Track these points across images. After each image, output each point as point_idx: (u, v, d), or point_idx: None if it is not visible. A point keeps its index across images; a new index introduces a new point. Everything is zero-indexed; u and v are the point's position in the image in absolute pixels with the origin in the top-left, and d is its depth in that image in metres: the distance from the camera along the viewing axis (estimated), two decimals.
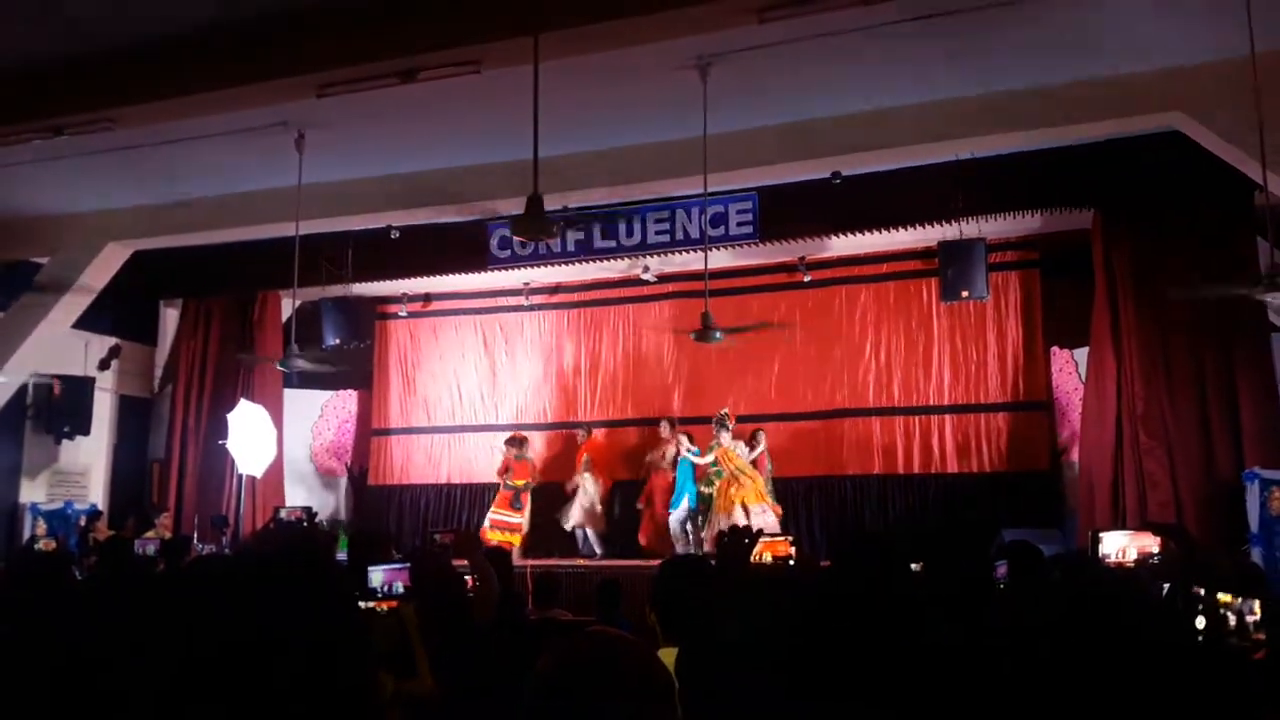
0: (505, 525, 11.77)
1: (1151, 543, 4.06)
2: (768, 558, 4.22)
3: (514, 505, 11.99)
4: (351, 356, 12.87)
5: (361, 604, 3.24)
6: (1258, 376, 9.09)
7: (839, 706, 1.98)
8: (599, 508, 12.21)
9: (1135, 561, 3.99)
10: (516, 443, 12.22)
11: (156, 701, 2.28)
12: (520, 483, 12.04)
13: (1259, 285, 7.77)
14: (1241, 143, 7.59)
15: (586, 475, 12.20)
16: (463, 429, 13.59)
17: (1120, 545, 4.05)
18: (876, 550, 2.78)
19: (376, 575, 3.27)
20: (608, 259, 11.38)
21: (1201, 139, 8.03)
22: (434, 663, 3.38)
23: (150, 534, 10.72)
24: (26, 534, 11.71)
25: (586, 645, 1.40)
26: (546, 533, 12.35)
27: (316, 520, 10.42)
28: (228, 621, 1.65)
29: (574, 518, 12.15)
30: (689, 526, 11.32)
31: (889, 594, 2.29)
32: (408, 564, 3.38)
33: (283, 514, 10.04)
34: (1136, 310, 9.55)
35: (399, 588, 3.29)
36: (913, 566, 2.96)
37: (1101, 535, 4.14)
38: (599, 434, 12.82)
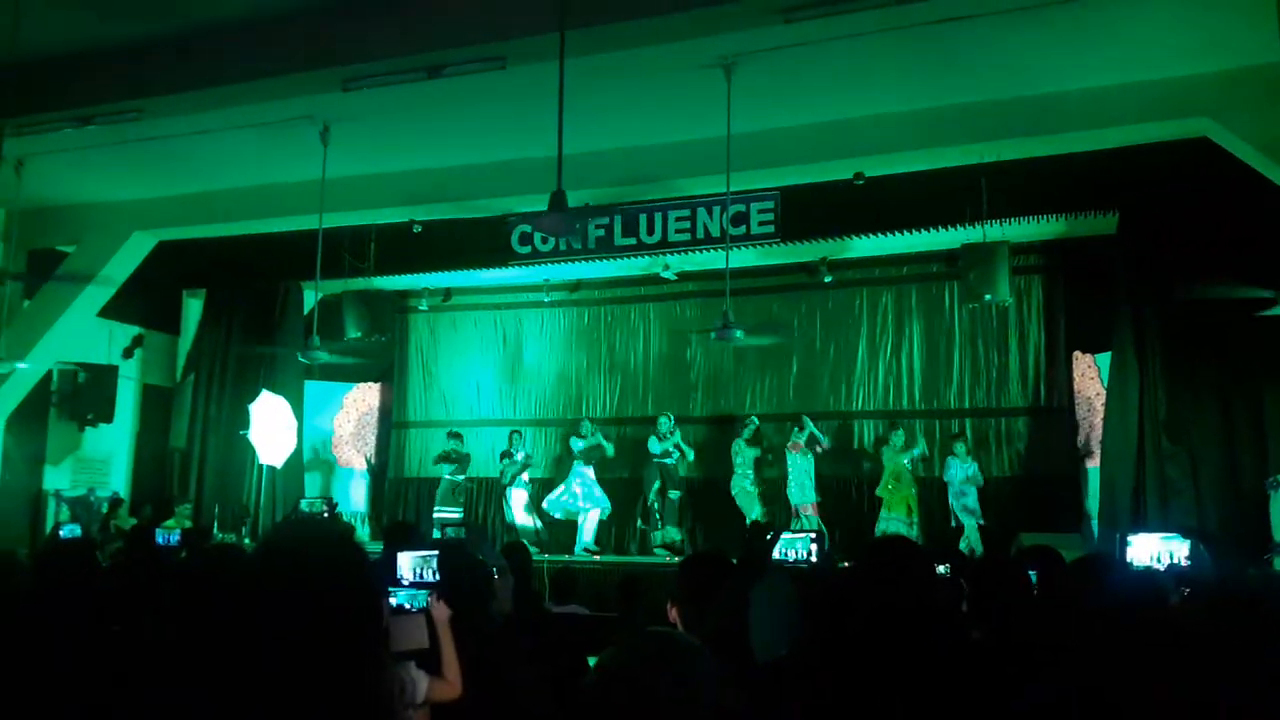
0: (448, 521, 11.91)
1: (1180, 547, 4.03)
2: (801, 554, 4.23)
3: (456, 499, 12.40)
4: (372, 349, 12.95)
5: (393, 602, 3.25)
6: None
7: (861, 704, 1.98)
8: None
9: (1165, 567, 3.97)
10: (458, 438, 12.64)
11: (180, 685, 2.30)
12: (461, 477, 12.51)
13: None
14: (1268, 148, 7.53)
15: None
16: (482, 423, 13.64)
17: (1149, 549, 4.02)
18: (900, 551, 2.77)
19: (406, 562, 3.29)
20: (628, 256, 11.39)
21: (1228, 144, 7.97)
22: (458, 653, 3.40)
23: (171, 522, 10.80)
24: (50, 520, 11.83)
25: (652, 641, 1.41)
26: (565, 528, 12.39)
27: (337, 512, 10.50)
28: (254, 613, 1.66)
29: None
30: None
31: (912, 595, 2.29)
32: (435, 551, 3.40)
33: (304, 505, 10.11)
34: (1160, 315, 9.49)
35: (428, 574, 3.31)
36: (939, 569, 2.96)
37: (1130, 539, 4.11)
38: None
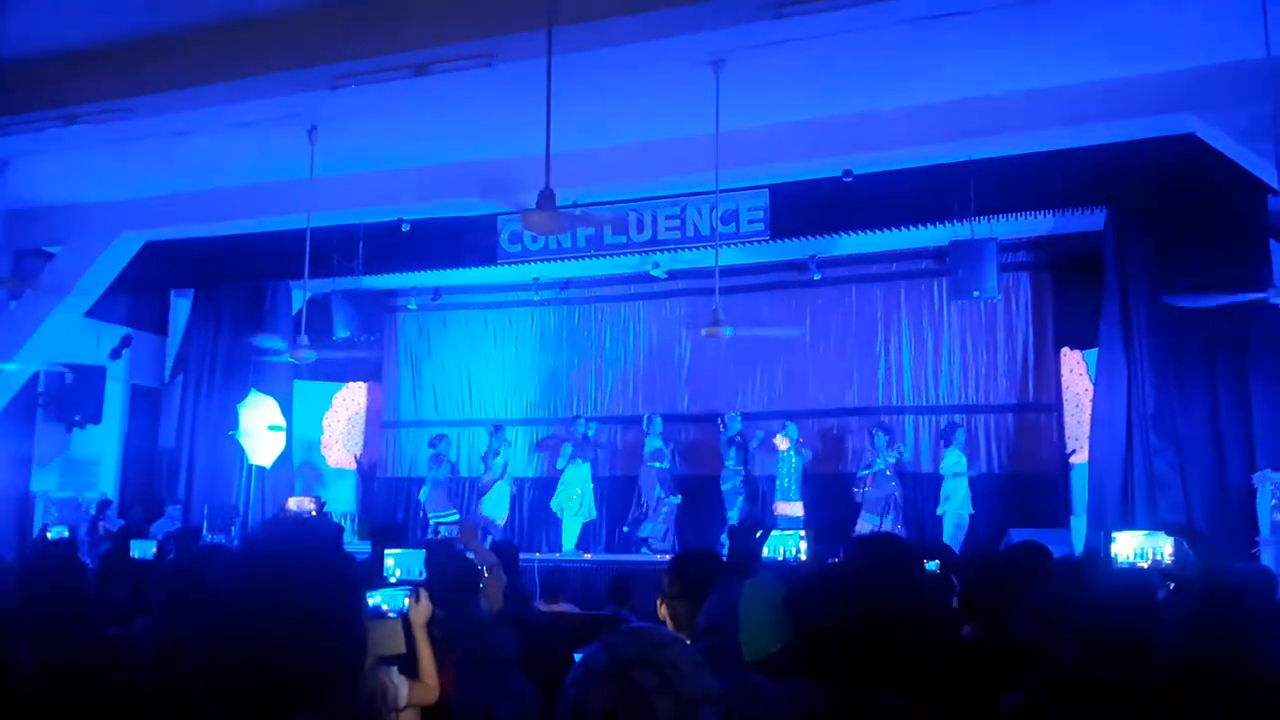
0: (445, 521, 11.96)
1: (1165, 543, 4.04)
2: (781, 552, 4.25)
3: (450, 501, 12.59)
4: (361, 349, 12.92)
5: (370, 600, 3.25)
6: (1270, 378, 9.06)
7: (850, 701, 1.98)
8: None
9: (1149, 563, 3.97)
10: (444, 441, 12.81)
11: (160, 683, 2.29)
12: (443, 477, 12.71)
13: (1271, 288, 7.77)
14: (1254, 144, 7.55)
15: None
16: (472, 423, 13.62)
17: (1133, 546, 4.03)
18: (887, 548, 2.78)
19: (392, 560, 3.30)
20: (618, 255, 11.38)
21: (1216, 141, 8.00)
22: (445, 649, 3.39)
23: (160, 522, 10.77)
24: (38, 522, 11.77)
25: (632, 636, 1.41)
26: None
27: (325, 511, 10.49)
28: (236, 612, 1.65)
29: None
30: None
31: (900, 591, 2.29)
32: (422, 549, 3.41)
33: (292, 504, 10.08)
34: (1148, 311, 9.52)
35: (415, 572, 3.31)
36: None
37: (1115, 535, 4.11)
38: None
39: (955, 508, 10.84)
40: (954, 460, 10.95)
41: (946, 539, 10.31)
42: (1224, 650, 1.94)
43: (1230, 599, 1.99)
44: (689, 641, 2.53)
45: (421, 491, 12.76)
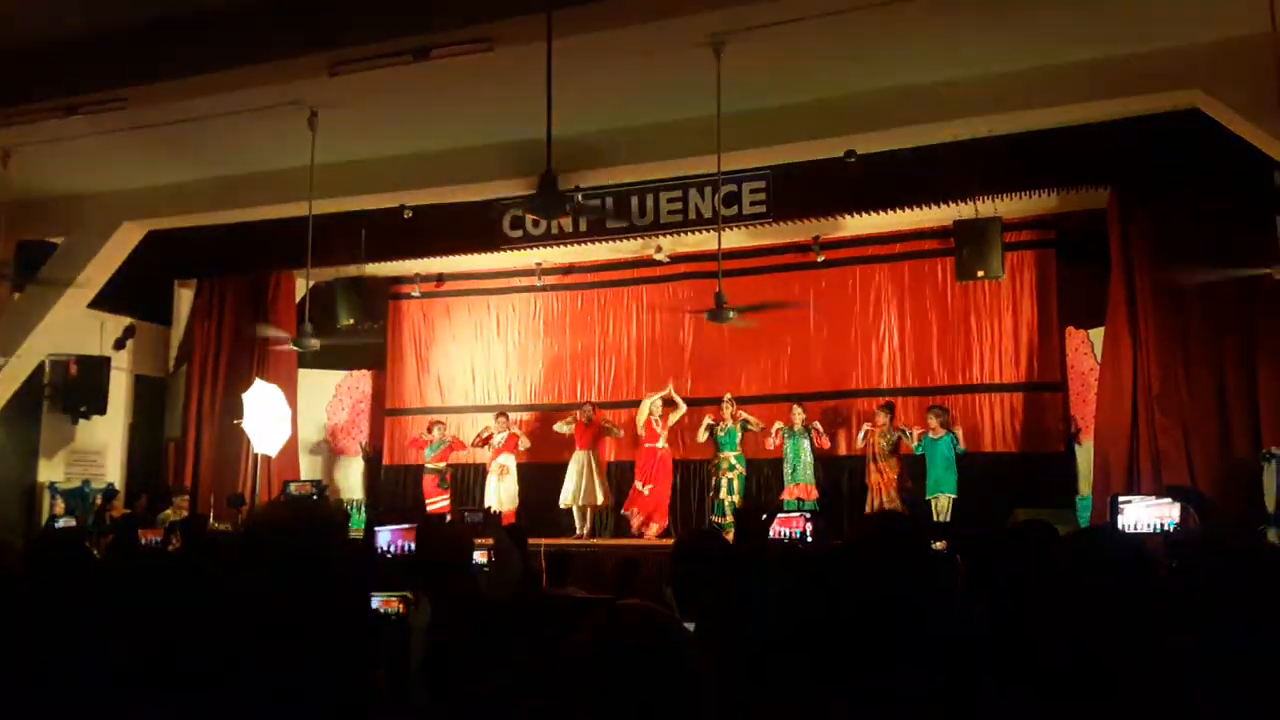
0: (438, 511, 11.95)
1: (1171, 511, 4.02)
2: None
3: (440, 487, 12.63)
4: (365, 336, 12.93)
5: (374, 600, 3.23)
6: (1275, 355, 9.04)
7: (853, 683, 1.98)
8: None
9: (1158, 530, 3.96)
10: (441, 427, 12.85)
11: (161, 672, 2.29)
12: (443, 464, 12.71)
13: (1277, 264, 7.74)
14: (1261, 121, 7.51)
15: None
16: (476, 409, 13.62)
17: (1142, 515, 4.01)
18: (894, 528, 2.77)
19: (384, 536, 3.29)
20: (620, 239, 11.34)
21: (1221, 117, 7.95)
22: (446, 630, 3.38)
23: (169, 512, 10.81)
24: (45, 513, 11.82)
25: (626, 617, 1.40)
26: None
27: (325, 495, 10.51)
28: (239, 596, 1.65)
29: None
30: None
31: (907, 570, 2.28)
32: (413, 524, 3.40)
33: (292, 488, 10.11)
34: (1153, 289, 9.49)
35: (408, 546, 3.30)
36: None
37: (1122, 505, 4.10)
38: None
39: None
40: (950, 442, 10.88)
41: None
42: (1235, 622, 1.93)
43: (1242, 571, 1.98)
44: (694, 625, 2.53)
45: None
